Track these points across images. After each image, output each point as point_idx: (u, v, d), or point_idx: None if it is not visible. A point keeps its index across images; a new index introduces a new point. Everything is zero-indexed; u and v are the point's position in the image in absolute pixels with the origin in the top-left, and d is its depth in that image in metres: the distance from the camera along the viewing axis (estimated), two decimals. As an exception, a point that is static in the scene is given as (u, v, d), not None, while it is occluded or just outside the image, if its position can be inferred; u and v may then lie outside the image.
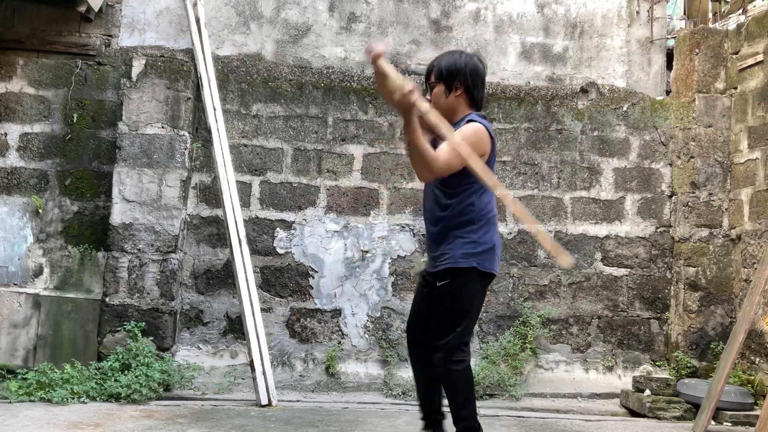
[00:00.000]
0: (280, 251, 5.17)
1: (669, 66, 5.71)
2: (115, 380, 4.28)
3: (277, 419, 3.91)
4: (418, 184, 5.29)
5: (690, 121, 5.33)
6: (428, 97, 2.95)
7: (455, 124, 2.86)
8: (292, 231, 5.19)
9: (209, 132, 4.89)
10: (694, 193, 5.26)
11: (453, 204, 2.85)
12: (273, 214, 5.20)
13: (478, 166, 2.63)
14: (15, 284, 4.96)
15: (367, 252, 5.23)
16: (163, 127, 4.89)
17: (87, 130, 5.11)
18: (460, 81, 2.88)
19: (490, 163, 2.84)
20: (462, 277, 2.81)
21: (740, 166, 5.17)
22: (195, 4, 5.14)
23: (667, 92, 5.67)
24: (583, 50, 5.67)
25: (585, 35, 5.68)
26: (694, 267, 5.20)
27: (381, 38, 5.50)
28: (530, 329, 5.13)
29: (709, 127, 5.30)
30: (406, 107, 2.56)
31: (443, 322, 2.86)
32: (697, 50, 5.35)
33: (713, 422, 4.24)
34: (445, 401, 3.00)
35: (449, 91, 2.90)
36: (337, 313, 5.18)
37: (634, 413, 4.68)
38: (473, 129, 2.80)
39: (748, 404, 4.47)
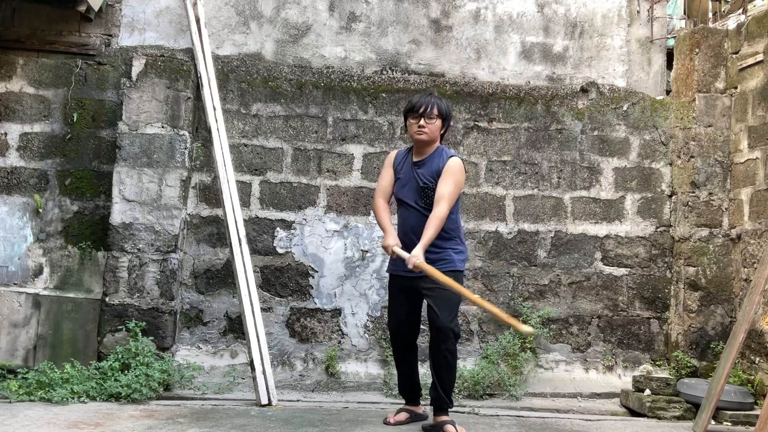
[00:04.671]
0: (280, 251, 5.17)
1: (669, 66, 5.70)
2: (115, 380, 4.28)
3: (277, 419, 3.91)
4: (418, 184, 5.29)
5: (690, 121, 5.33)
6: (422, 123, 3.63)
7: (432, 152, 3.75)
8: (292, 231, 5.19)
9: (209, 132, 4.89)
10: (694, 192, 5.26)
11: None
12: (273, 214, 5.20)
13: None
14: (15, 284, 4.96)
15: (367, 252, 5.23)
16: (163, 127, 4.89)
17: (87, 130, 5.11)
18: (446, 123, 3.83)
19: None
20: None
21: (740, 166, 5.17)
22: (195, 4, 5.14)
23: (667, 92, 5.67)
24: (583, 50, 5.67)
25: (585, 35, 5.68)
26: (694, 267, 5.20)
27: (381, 38, 5.51)
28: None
29: (709, 127, 5.30)
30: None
31: None
32: (697, 50, 5.35)
33: (713, 422, 4.24)
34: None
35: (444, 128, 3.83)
36: (337, 312, 5.18)
37: (634, 413, 4.68)
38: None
39: (748, 404, 4.47)
